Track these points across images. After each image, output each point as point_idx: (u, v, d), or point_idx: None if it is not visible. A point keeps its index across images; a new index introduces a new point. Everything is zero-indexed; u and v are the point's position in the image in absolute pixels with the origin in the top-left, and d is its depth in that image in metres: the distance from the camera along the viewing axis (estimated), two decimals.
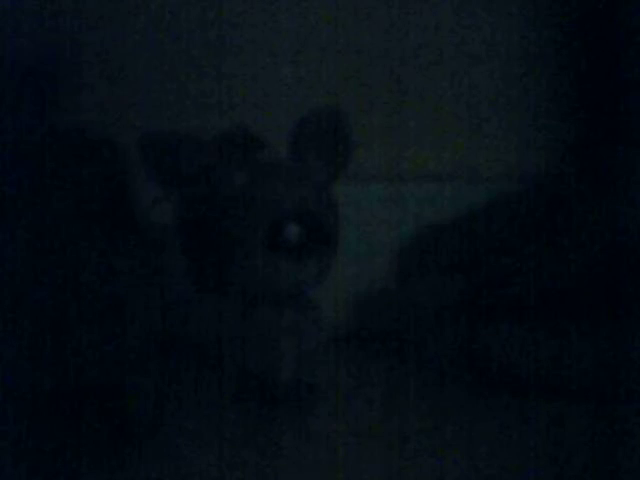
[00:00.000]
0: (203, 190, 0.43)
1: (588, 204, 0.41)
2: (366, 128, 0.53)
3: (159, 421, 0.43)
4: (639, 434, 0.40)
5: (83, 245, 0.41)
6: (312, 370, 0.46)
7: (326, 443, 0.44)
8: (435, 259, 0.50)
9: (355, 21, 0.54)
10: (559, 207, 0.42)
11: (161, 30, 0.53)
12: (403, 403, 0.46)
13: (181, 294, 0.48)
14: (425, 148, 0.54)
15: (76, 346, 0.40)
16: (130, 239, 0.42)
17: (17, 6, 0.52)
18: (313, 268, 0.45)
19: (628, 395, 0.41)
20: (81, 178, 0.40)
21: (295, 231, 0.43)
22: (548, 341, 0.42)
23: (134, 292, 0.41)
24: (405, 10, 0.54)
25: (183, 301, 0.49)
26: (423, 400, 0.46)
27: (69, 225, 0.40)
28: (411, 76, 0.53)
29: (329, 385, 0.47)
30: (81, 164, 0.40)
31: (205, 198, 0.43)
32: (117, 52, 0.52)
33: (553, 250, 0.41)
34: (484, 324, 0.44)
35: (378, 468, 0.43)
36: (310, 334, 0.45)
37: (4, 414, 0.39)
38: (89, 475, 0.39)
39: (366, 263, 0.53)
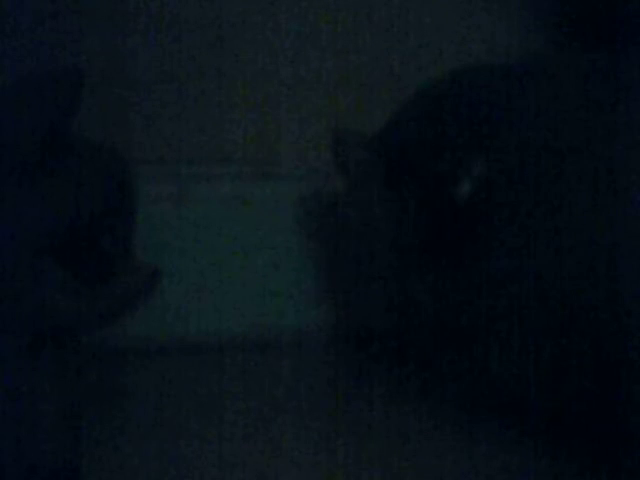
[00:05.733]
0: None
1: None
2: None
3: None
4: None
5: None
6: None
7: (326, 443, 0.44)
8: None
9: (355, 21, 0.54)
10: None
11: (161, 30, 0.53)
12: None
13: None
14: None
15: None
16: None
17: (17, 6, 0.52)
18: (92, 307, 0.40)
19: None
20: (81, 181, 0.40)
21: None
22: None
23: None
24: (405, 10, 0.54)
25: None
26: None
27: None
28: (411, 76, 0.53)
29: (329, 386, 0.47)
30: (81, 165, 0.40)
31: None
32: (116, 52, 0.52)
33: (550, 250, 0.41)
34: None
35: (378, 468, 0.43)
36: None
37: None
38: None
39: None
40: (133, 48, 0.52)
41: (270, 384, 0.47)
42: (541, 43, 0.54)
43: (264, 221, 0.49)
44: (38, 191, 0.39)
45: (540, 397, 0.42)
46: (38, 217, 0.39)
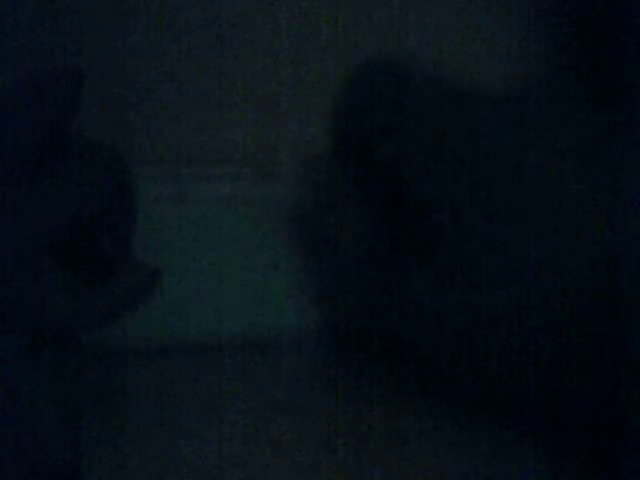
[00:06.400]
0: None
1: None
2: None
3: None
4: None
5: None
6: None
7: (326, 443, 0.44)
8: None
9: (355, 21, 0.54)
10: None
11: (161, 30, 0.53)
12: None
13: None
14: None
15: None
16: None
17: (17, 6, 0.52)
18: (92, 307, 0.40)
19: None
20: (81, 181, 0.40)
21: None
22: None
23: None
24: (405, 10, 0.54)
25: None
26: None
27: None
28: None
29: (329, 386, 0.47)
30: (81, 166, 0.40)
31: None
32: (116, 52, 0.52)
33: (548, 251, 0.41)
34: None
35: (378, 468, 0.43)
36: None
37: None
38: None
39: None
40: (133, 48, 0.52)
41: (270, 384, 0.47)
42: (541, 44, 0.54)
43: (264, 221, 0.49)
44: (38, 191, 0.39)
45: (539, 397, 0.42)
46: (38, 217, 0.39)
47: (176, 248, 0.48)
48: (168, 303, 0.48)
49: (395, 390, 0.46)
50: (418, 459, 0.43)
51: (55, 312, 0.39)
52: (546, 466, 0.43)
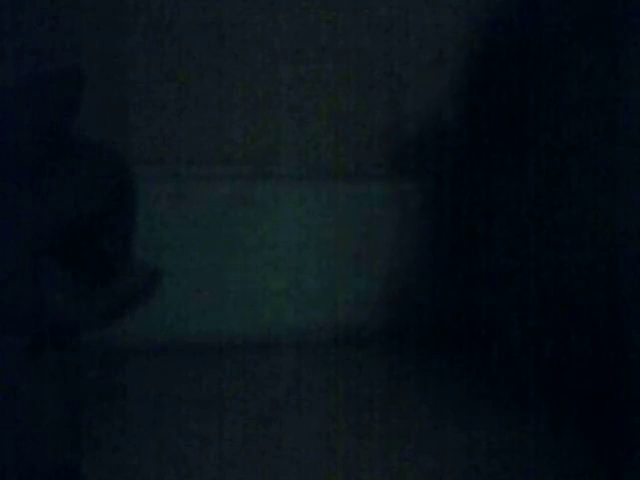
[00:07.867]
0: None
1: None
2: (366, 128, 0.54)
3: None
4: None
5: None
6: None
7: (326, 443, 0.44)
8: None
9: (355, 21, 0.54)
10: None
11: (161, 30, 0.53)
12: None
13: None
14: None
15: None
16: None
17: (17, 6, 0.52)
18: (92, 307, 0.39)
19: None
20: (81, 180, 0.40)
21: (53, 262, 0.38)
22: None
23: None
24: (405, 10, 0.54)
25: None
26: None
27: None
28: (410, 76, 0.53)
29: (329, 385, 0.47)
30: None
31: None
32: (116, 52, 0.52)
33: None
34: None
35: (378, 468, 0.43)
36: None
37: None
38: None
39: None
40: (133, 48, 0.52)
41: (270, 384, 0.47)
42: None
43: (264, 221, 0.49)
44: (38, 191, 0.39)
45: (538, 397, 0.42)
46: (38, 217, 0.39)
47: (176, 248, 0.48)
48: (168, 303, 0.48)
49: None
50: (418, 459, 0.43)
51: (55, 312, 0.39)
52: (546, 466, 0.43)
